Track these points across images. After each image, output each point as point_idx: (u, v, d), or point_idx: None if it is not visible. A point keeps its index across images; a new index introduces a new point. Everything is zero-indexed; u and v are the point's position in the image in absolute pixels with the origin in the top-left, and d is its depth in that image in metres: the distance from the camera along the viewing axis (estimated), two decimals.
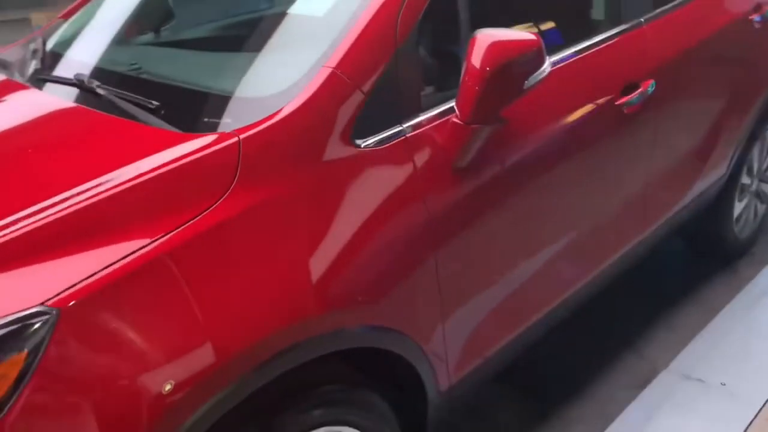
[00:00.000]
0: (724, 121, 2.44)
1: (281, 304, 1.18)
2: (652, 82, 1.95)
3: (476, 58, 1.36)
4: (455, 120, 1.42)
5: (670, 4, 2.15)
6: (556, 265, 1.86)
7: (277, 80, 1.38)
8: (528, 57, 1.39)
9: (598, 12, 2.02)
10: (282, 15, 1.63)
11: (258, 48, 1.56)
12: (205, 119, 1.38)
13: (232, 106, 1.37)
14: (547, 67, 1.44)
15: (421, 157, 1.43)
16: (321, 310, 1.23)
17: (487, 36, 1.37)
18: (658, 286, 2.84)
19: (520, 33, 1.42)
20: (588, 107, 1.81)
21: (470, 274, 1.57)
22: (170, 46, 1.98)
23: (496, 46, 1.36)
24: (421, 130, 1.44)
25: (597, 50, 1.85)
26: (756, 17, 2.46)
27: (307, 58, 1.37)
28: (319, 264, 1.24)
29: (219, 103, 1.40)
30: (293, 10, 1.61)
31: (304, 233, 1.25)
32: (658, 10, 2.08)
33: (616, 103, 1.86)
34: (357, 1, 1.44)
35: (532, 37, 1.41)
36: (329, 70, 1.33)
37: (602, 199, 1.96)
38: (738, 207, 2.80)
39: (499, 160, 1.57)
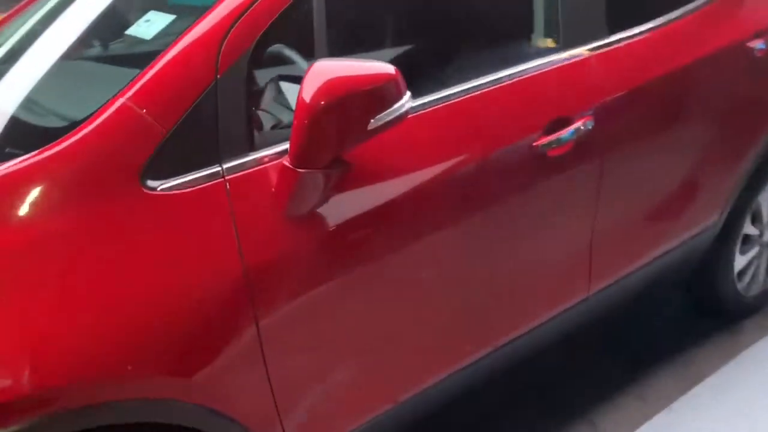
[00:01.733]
0: (711, 163, 2.11)
1: (14, 363, 1.02)
2: (590, 118, 1.67)
3: (308, 90, 1.15)
4: (285, 162, 1.22)
5: (634, 31, 1.85)
6: (439, 338, 1.61)
7: (69, 109, 1.22)
8: (374, 91, 1.18)
9: (518, 35, 1.75)
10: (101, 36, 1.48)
11: (65, 69, 1.41)
12: None
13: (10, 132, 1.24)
14: (405, 103, 1.22)
15: (243, 203, 1.23)
16: (62, 381, 1.05)
17: (323, 66, 1.17)
18: (641, 344, 2.50)
19: (368, 63, 1.21)
20: (491, 149, 1.55)
21: (309, 349, 1.36)
22: None
23: (331, 78, 1.15)
24: (246, 171, 1.25)
25: (513, 82, 1.59)
26: (758, 44, 2.11)
27: (111, 87, 1.21)
28: (69, 321, 1.07)
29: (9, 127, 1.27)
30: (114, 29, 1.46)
31: (60, 282, 1.08)
32: (615, 37, 1.79)
33: (535, 143, 1.59)
34: (185, 24, 1.27)
35: (386, 68, 1.20)
36: (122, 102, 1.16)
37: (508, 261, 1.68)
38: (741, 260, 2.43)
39: (356, 212, 1.34)
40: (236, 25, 1.24)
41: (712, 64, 2.00)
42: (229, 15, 1.24)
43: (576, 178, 1.71)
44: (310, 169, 1.20)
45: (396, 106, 1.20)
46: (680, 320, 2.63)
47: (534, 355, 1.91)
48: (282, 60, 1.40)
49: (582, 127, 1.65)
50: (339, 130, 1.18)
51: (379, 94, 1.18)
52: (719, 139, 2.10)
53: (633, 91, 1.79)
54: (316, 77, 1.15)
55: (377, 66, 1.20)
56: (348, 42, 1.53)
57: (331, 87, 1.14)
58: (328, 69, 1.17)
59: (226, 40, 1.23)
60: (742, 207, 2.31)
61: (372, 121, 1.19)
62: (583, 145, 1.67)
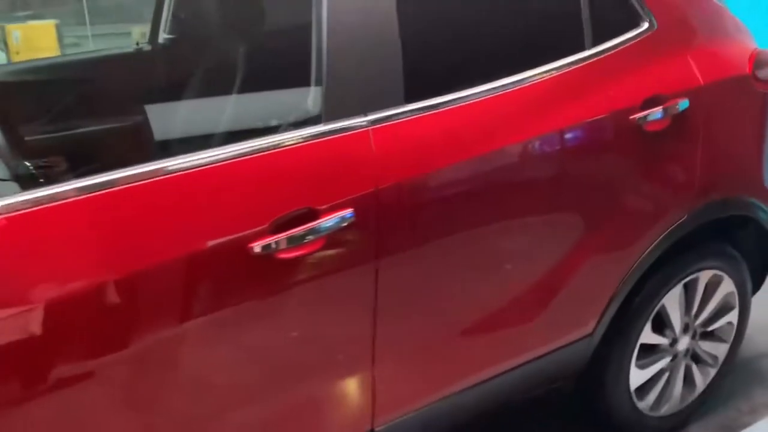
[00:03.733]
0: (573, 264, 1.67)
1: None
2: (349, 209, 1.28)
3: None
4: None
5: (452, 96, 1.45)
6: None
7: None
8: None
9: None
10: None
11: None
12: None
13: None
14: None
15: None
16: None
17: None
18: None
19: None
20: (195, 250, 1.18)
21: None
22: None
23: None
24: None
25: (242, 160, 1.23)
26: (651, 114, 1.67)
27: None
28: None
29: None
30: None
31: None
32: (412, 106, 1.40)
33: (252, 244, 1.21)
34: None
35: None
36: None
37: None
38: (641, 375, 1.96)
39: None
40: None
41: (562, 142, 1.57)
42: None
43: (332, 291, 1.32)
44: None
45: None
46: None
47: None
48: None
49: (332, 223, 1.26)
50: None
51: None
52: (584, 234, 1.66)
53: (430, 176, 1.39)
54: None
55: None
56: None
57: None
58: None
59: None
60: (634, 314, 1.85)
61: None
62: (338, 242, 1.29)
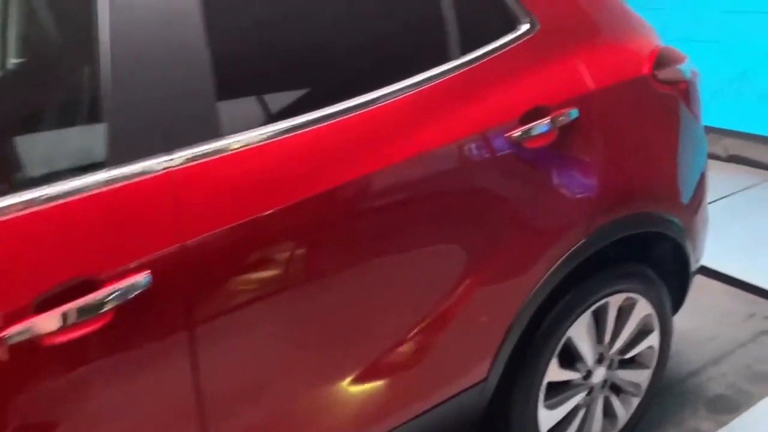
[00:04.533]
0: (453, 301, 1.45)
1: None
2: (143, 273, 1.04)
3: None
4: None
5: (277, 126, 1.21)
6: None
7: None
8: None
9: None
10: None
11: None
12: None
13: None
14: None
15: None
16: None
17: None
18: None
19: None
20: None
21: None
22: None
23: None
24: None
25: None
26: (523, 130, 1.46)
27: None
28: None
29: None
30: None
31: None
32: (234, 139, 1.16)
33: (4, 333, 0.96)
34: None
35: None
36: None
37: None
38: (552, 415, 1.76)
39: None
40: None
41: (425, 168, 1.35)
42: None
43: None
44: None
45: None
46: None
47: None
48: None
49: (114, 294, 1.02)
50: None
51: None
52: (465, 268, 1.44)
53: (253, 223, 1.16)
54: None
55: None
56: None
57: None
58: None
59: None
60: (535, 351, 1.64)
61: None
62: (131, 316, 1.05)
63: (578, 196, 1.58)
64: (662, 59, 1.75)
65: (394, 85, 1.33)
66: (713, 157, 4.68)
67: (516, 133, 1.44)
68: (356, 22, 1.36)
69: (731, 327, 2.65)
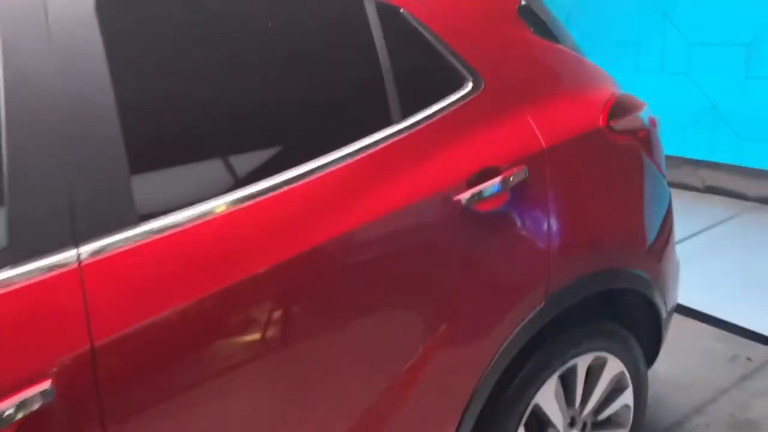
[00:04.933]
0: (404, 379, 1.36)
1: None
2: (45, 382, 0.95)
3: None
4: None
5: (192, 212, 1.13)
6: None
7: None
8: None
9: None
10: None
11: None
12: None
13: None
14: None
15: None
16: None
17: None
18: None
19: None
20: None
21: None
22: None
23: None
24: None
25: None
26: (471, 193, 1.39)
27: None
28: None
29: None
30: None
31: None
32: (154, 225, 1.08)
33: None
34: None
35: None
36: None
37: None
38: None
39: None
40: None
41: (364, 241, 1.28)
42: None
43: None
44: None
45: None
46: None
47: None
48: None
49: (10, 409, 0.93)
50: None
51: None
52: (414, 342, 1.36)
53: (171, 317, 1.08)
54: None
55: None
56: None
57: None
58: None
59: None
60: (498, 423, 1.56)
61: None
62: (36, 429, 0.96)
63: (535, 257, 1.51)
64: (618, 109, 1.71)
65: (331, 154, 1.26)
66: (690, 188, 4.66)
67: (464, 196, 1.37)
68: (288, 88, 1.29)
69: (713, 371, 2.57)
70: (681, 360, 2.64)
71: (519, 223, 1.48)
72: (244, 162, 1.23)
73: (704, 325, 2.92)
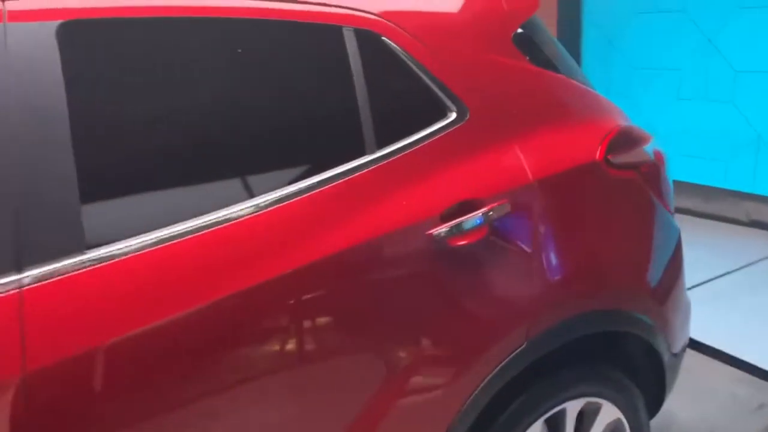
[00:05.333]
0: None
1: None
2: None
3: None
4: None
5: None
6: None
7: None
8: None
9: None
10: None
11: None
12: None
13: None
14: None
15: None
16: None
17: None
18: None
19: None
20: None
21: None
22: None
23: None
24: None
25: None
26: (446, 228, 1.34)
27: None
28: None
29: None
30: None
31: None
32: (103, 251, 1.07)
33: None
34: None
35: None
36: None
37: None
38: None
39: None
40: None
41: (319, 278, 1.24)
42: None
43: None
44: None
45: None
46: None
47: None
48: None
49: None
50: None
51: None
52: (378, 390, 1.31)
53: (113, 347, 1.06)
54: None
55: None
56: None
57: None
58: None
59: None
60: None
61: None
62: None
63: (516, 296, 1.44)
64: (618, 142, 1.63)
65: (294, 185, 1.24)
66: (733, 221, 4.45)
67: (439, 230, 1.32)
68: (252, 114, 1.27)
69: (735, 420, 2.41)
70: (701, 405, 2.50)
71: (499, 260, 1.42)
72: (200, 192, 1.20)
73: (732, 369, 2.76)
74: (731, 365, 2.79)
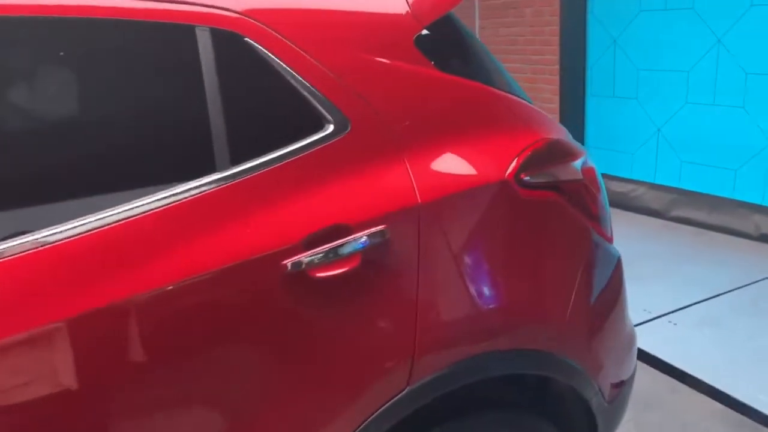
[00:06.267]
0: None
1: None
2: None
3: None
4: None
5: None
6: None
7: None
8: None
9: None
10: None
11: None
12: None
13: None
14: None
15: None
16: None
17: None
18: None
19: None
20: None
21: None
22: None
23: None
24: None
25: None
26: (304, 257, 1.17)
27: None
28: None
29: None
30: None
31: None
32: None
33: None
34: None
35: None
36: None
37: None
38: None
39: None
40: None
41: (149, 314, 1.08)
42: None
43: None
44: None
45: None
46: None
47: None
48: None
49: None
50: None
51: None
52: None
53: None
54: None
55: None
56: None
57: None
58: None
59: None
60: None
61: None
62: None
63: (393, 335, 1.27)
64: (537, 158, 1.44)
65: (125, 206, 1.09)
66: (742, 235, 4.16)
67: (297, 259, 1.16)
68: (84, 127, 1.12)
69: None
70: None
71: (371, 294, 1.24)
72: (34, 209, 1.08)
73: (711, 401, 2.52)
74: (714, 399, 2.55)
